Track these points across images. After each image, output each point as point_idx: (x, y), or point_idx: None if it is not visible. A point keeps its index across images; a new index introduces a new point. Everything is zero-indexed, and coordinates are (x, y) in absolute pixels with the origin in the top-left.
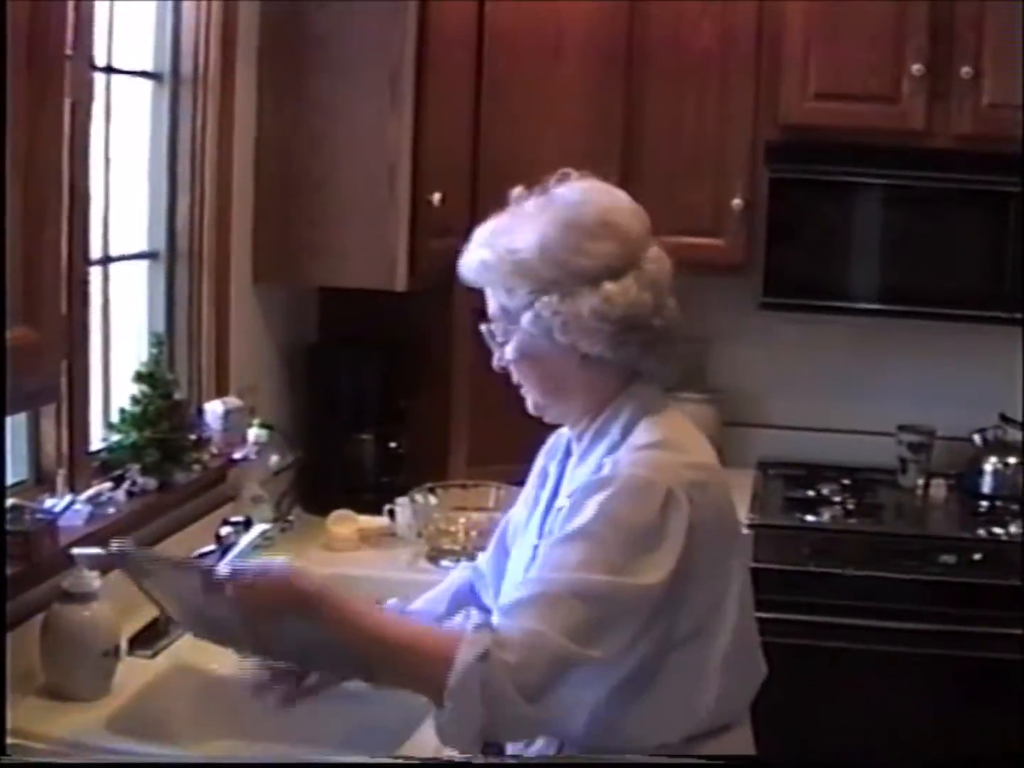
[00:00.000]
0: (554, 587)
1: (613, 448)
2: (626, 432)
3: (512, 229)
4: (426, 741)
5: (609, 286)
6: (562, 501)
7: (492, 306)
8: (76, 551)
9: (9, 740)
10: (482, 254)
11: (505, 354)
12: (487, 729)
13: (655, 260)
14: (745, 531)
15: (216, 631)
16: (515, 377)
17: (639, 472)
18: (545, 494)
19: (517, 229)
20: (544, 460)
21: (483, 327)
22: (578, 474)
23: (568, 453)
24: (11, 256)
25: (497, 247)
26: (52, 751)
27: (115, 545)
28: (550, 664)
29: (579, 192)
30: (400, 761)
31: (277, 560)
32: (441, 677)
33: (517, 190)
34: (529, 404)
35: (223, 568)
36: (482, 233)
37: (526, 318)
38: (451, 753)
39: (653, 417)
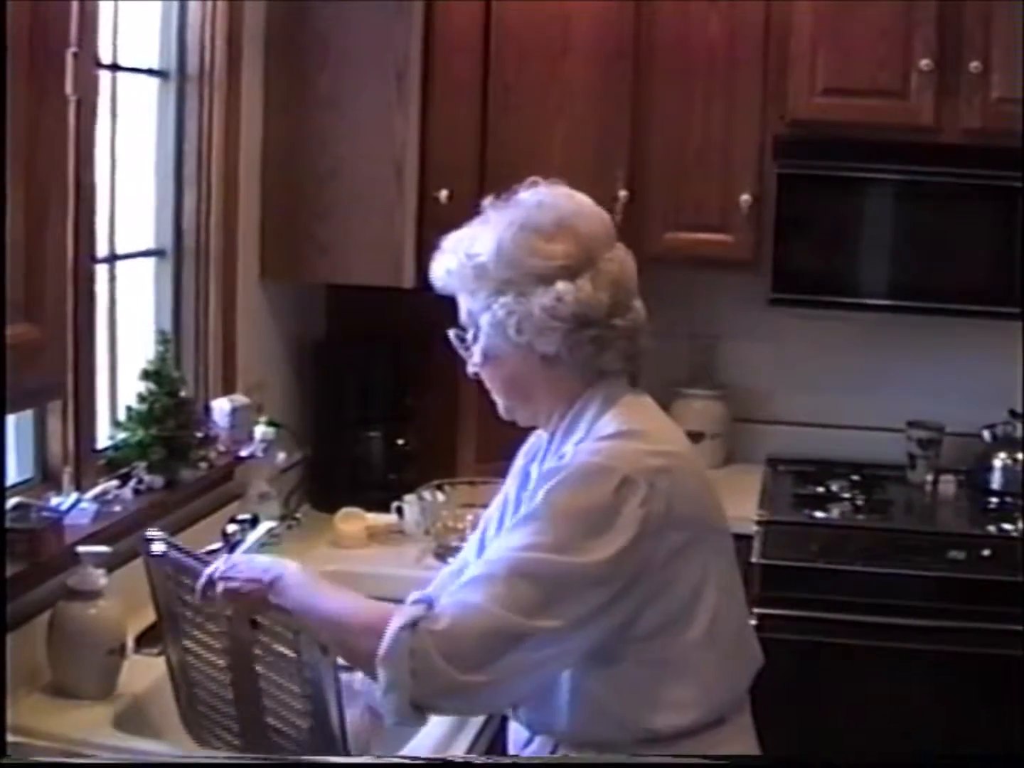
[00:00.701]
0: (496, 567)
1: (580, 443)
2: (592, 426)
3: (474, 235)
4: (427, 741)
5: (561, 285)
6: None
7: (461, 312)
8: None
9: (14, 738)
10: (446, 261)
11: (470, 359)
12: (419, 698)
13: (615, 261)
14: (754, 525)
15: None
16: (485, 384)
17: (594, 459)
18: (526, 495)
19: (478, 235)
20: (524, 460)
21: (451, 333)
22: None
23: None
24: (12, 253)
25: (459, 253)
26: (57, 749)
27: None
28: (484, 634)
29: (539, 196)
30: (401, 761)
31: (263, 560)
32: (374, 648)
33: (488, 199)
34: (500, 408)
35: (216, 573)
36: (448, 241)
37: (485, 320)
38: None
39: (618, 408)
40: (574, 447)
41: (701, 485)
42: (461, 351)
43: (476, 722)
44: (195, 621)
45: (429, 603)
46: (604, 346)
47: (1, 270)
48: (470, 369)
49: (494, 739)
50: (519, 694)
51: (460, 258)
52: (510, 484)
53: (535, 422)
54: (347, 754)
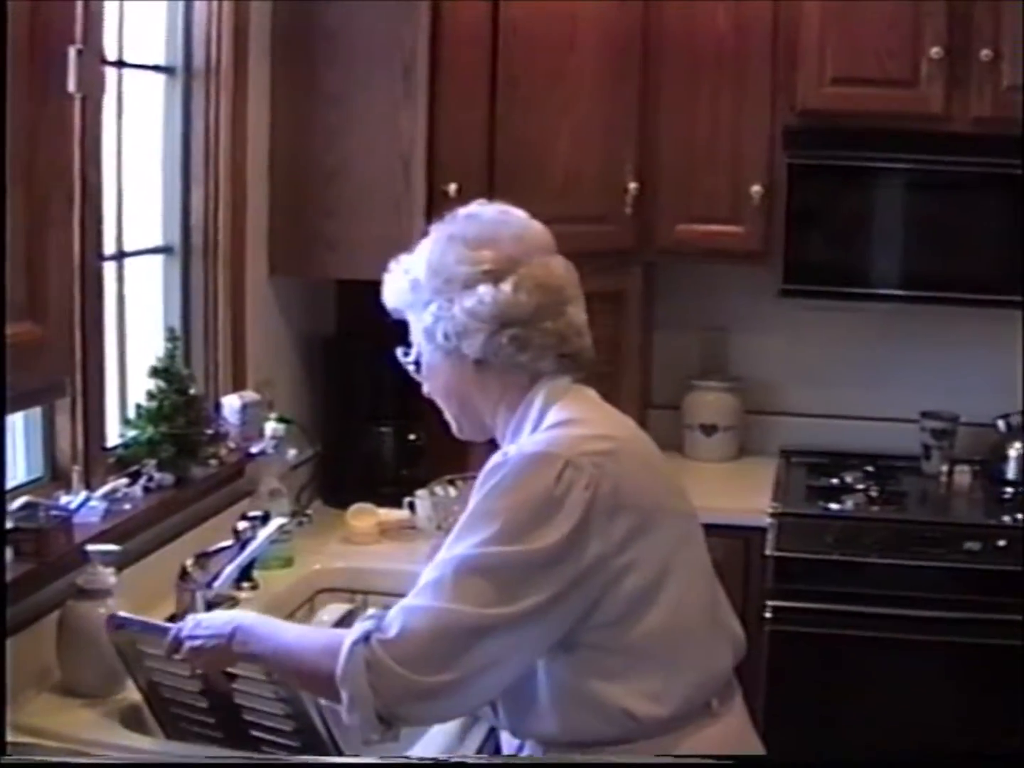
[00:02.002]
0: (444, 569)
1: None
2: (536, 426)
3: (413, 253)
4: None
5: (483, 288)
6: None
7: (410, 331)
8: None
9: (24, 738)
10: (390, 280)
11: (417, 374)
12: (383, 709)
13: (544, 266)
14: (767, 517)
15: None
16: (437, 402)
17: (533, 449)
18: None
19: (417, 252)
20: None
21: (398, 351)
22: None
23: None
24: (15, 252)
25: (398, 272)
26: (67, 749)
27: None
28: (439, 633)
29: (470, 210)
30: (401, 761)
31: (222, 615)
32: (332, 668)
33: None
34: (453, 428)
35: (182, 632)
36: (393, 262)
37: (419, 330)
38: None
39: (560, 402)
40: (516, 444)
41: (652, 469)
42: (408, 368)
43: (480, 733)
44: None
45: (381, 617)
46: (524, 346)
47: (1, 270)
48: (424, 390)
49: (496, 751)
50: (488, 691)
51: (399, 276)
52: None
53: (485, 433)
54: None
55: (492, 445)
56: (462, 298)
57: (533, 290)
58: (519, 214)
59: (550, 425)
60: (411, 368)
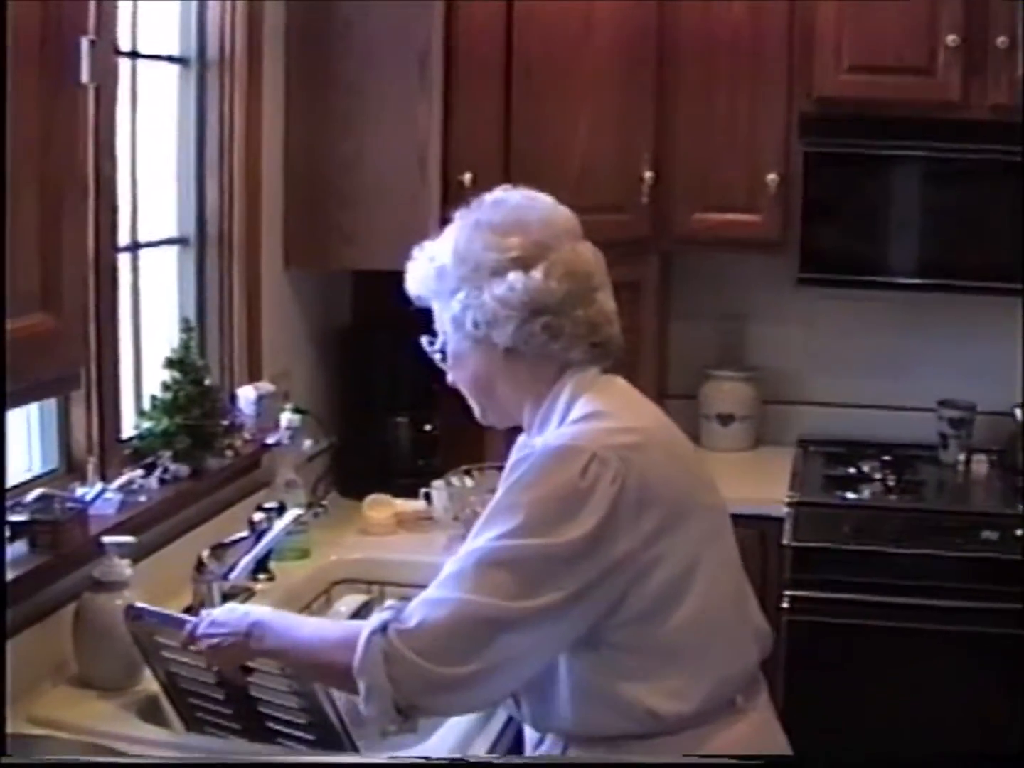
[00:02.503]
0: (467, 561)
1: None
2: (563, 417)
3: (437, 241)
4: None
5: (513, 275)
6: None
7: (435, 320)
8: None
9: (40, 730)
10: (414, 269)
11: (443, 364)
12: (402, 700)
13: (574, 252)
14: (785, 507)
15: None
16: (461, 390)
17: (560, 442)
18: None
19: (441, 240)
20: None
21: (423, 339)
22: None
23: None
24: (27, 243)
25: (423, 259)
26: (82, 741)
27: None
28: (462, 624)
29: (495, 196)
30: (401, 761)
31: (239, 610)
32: (349, 660)
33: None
34: (477, 415)
35: (199, 627)
36: (416, 250)
37: (447, 319)
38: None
39: (588, 394)
40: (542, 437)
41: (681, 462)
42: (434, 358)
43: (497, 724)
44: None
45: (400, 607)
46: (557, 335)
47: (1, 264)
48: (448, 378)
49: (515, 742)
50: (508, 685)
51: (424, 264)
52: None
53: (511, 421)
54: (354, 750)
55: (511, 435)
56: (491, 286)
57: (563, 277)
58: (545, 199)
59: (577, 418)
60: (436, 357)
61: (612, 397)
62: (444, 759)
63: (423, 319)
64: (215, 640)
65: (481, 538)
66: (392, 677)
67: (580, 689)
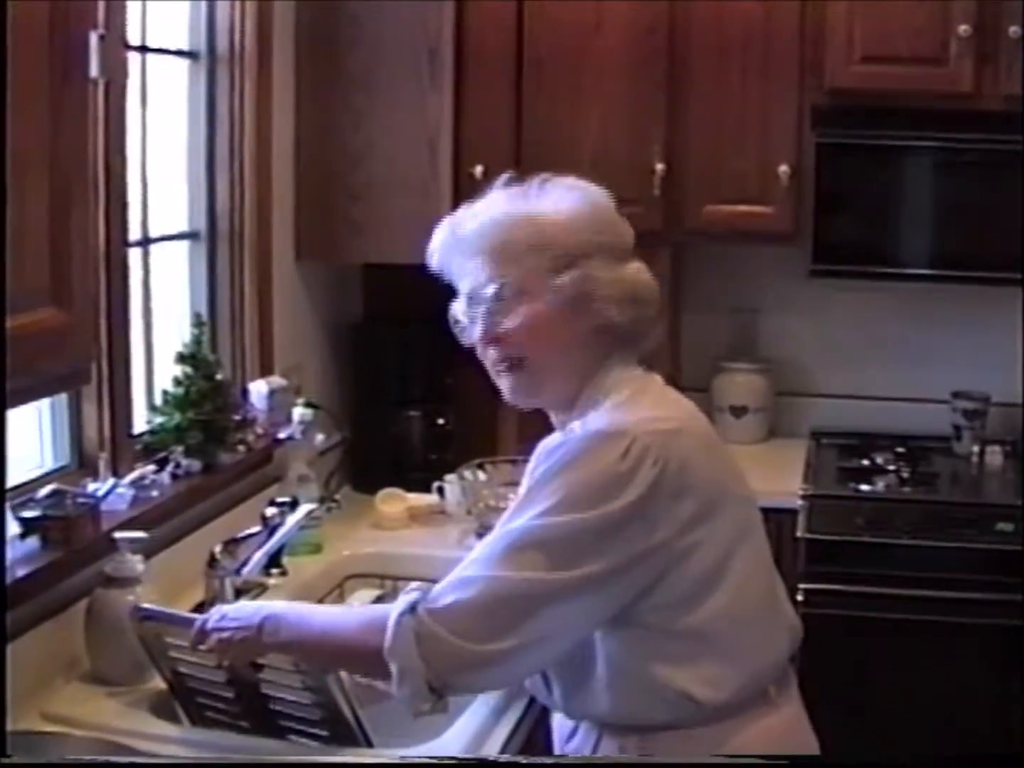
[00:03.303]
0: (502, 541)
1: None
2: (603, 401)
3: (541, 202)
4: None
5: (633, 264)
6: None
7: (488, 281)
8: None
9: (52, 727)
10: (515, 219)
11: (499, 326)
12: (435, 679)
13: None
14: (798, 499)
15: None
16: (494, 358)
17: (598, 427)
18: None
19: (552, 202)
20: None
21: (457, 305)
22: None
23: None
24: (37, 237)
25: (523, 223)
26: (94, 737)
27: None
28: (497, 601)
29: (588, 184)
30: (401, 761)
31: (250, 606)
32: (379, 643)
33: (504, 177)
34: (508, 390)
35: (208, 625)
36: (495, 207)
37: (541, 281)
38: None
39: (627, 383)
40: (580, 422)
41: (717, 452)
42: (477, 319)
43: (511, 719)
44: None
45: (425, 589)
46: (651, 327)
47: (1, 260)
48: (481, 338)
49: (531, 736)
50: (541, 662)
51: (521, 225)
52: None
53: (537, 399)
54: (367, 743)
55: (523, 429)
56: (608, 267)
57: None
58: None
59: (614, 406)
60: (485, 323)
61: (649, 387)
62: (453, 758)
63: (432, 312)
64: (226, 635)
65: (516, 519)
66: (424, 657)
67: (617, 673)
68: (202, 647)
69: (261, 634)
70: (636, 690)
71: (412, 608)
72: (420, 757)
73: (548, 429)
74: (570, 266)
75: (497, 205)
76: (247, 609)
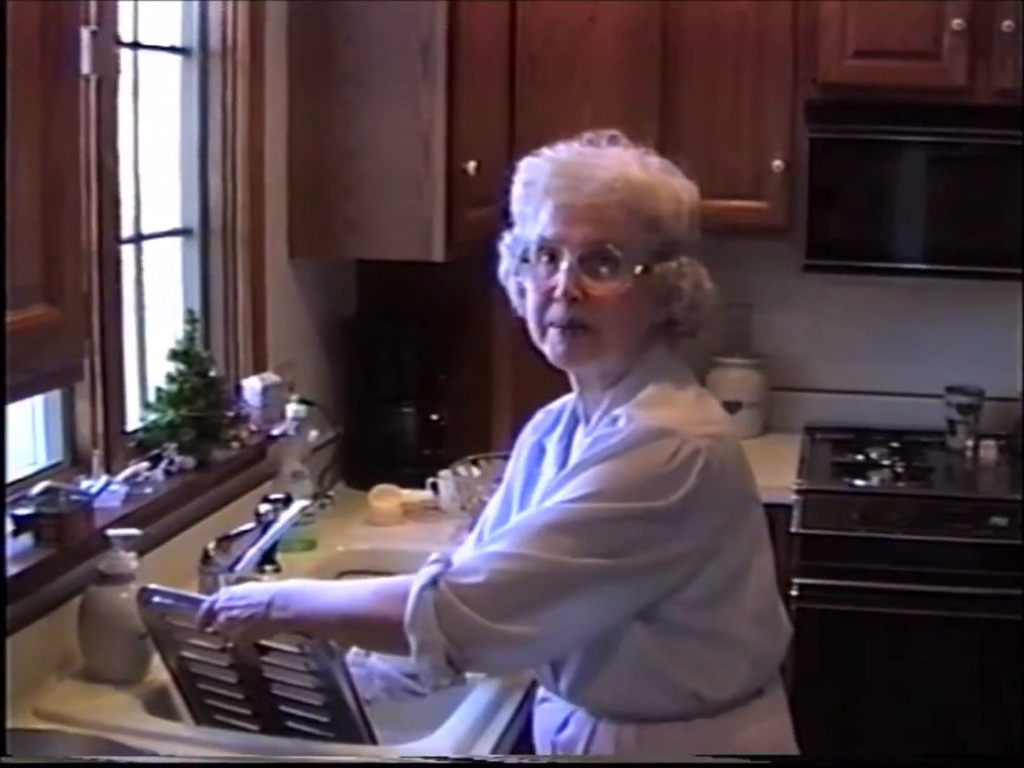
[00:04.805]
0: (538, 518)
1: (623, 408)
2: (639, 390)
3: (660, 178)
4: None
5: (703, 267)
6: None
7: (591, 239)
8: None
9: (47, 724)
10: (652, 184)
11: (585, 287)
12: (456, 653)
13: None
14: (792, 494)
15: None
16: (559, 316)
17: (649, 423)
18: (547, 466)
19: (667, 178)
20: (536, 436)
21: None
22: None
23: (575, 423)
24: (29, 234)
25: (663, 181)
26: (89, 735)
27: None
28: (524, 580)
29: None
30: (399, 761)
31: (260, 586)
32: (399, 615)
33: (610, 132)
34: (561, 348)
35: (216, 604)
36: (626, 164)
37: (642, 257)
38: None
39: (668, 373)
40: (625, 413)
41: (743, 458)
42: (546, 269)
43: (502, 721)
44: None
45: (448, 561)
46: (703, 329)
47: (1, 256)
48: (559, 289)
49: (520, 739)
50: (562, 647)
51: (653, 196)
52: (522, 462)
53: (591, 369)
54: (371, 737)
55: (517, 425)
56: (693, 266)
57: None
58: None
59: (661, 397)
60: (585, 261)
61: (687, 380)
62: (448, 758)
63: (426, 308)
64: (234, 612)
65: (552, 499)
66: (446, 631)
67: (632, 665)
68: (208, 629)
69: (270, 610)
70: (647, 683)
71: (434, 581)
72: (418, 757)
73: None
74: (670, 255)
75: (625, 163)
76: (257, 588)
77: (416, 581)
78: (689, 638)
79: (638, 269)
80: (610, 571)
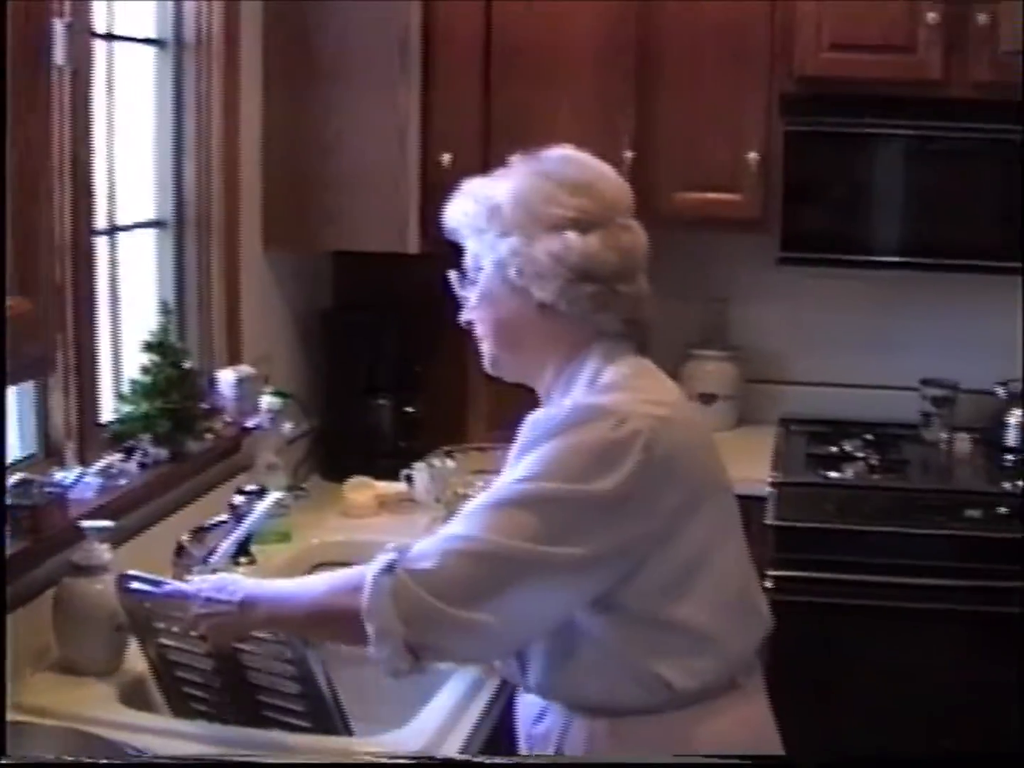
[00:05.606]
0: (492, 499)
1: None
2: (591, 381)
3: (495, 181)
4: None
5: (571, 235)
6: None
7: (467, 257)
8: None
9: (23, 716)
10: (462, 203)
11: (467, 301)
12: (414, 638)
13: (630, 230)
14: (767, 487)
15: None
16: (477, 331)
17: (588, 401)
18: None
19: (499, 180)
20: None
21: (452, 273)
22: None
23: None
24: (1, 226)
25: (476, 195)
26: (65, 727)
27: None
28: (482, 564)
29: (566, 153)
30: (397, 760)
31: (223, 580)
32: (357, 604)
33: (515, 156)
34: (486, 361)
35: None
36: (467, 184)
37: (489, 260)
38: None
39: (617, 366)
40: (571, 396)
41: (704, 443)
42: (460, 292)
43: (482, 700)
44: (169, 629)
45: (403, 548)
46: (602, 306)
47: (1, 250)
48: (464, 315)
49: (501, 719)
50: (523, 636)
51: (476, 199)
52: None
53: (523, 377)
54: (346, 727)
55: (493, 417)
56: (545, 240)
57: (617, 249)
58: (610, 169)
59: (606, 385)
60: (462, 294)
61: (640, 372)
62: (438, 759)
63: (402, 300)
64: (215, 619)
65: (503, 482)
66: (403, 618)
67: (598, 657)
68: (193, 634)
69: (242, 613)
70: (615, 674)
71: (390, 568)
72: (407, 755)
73: (518, 417)
74: (503, 240)
75: (483, 184)
76: (225, 592)
77: (370, 569)
78: (649, 627)
79: (478, 272)
80: (563, 560)
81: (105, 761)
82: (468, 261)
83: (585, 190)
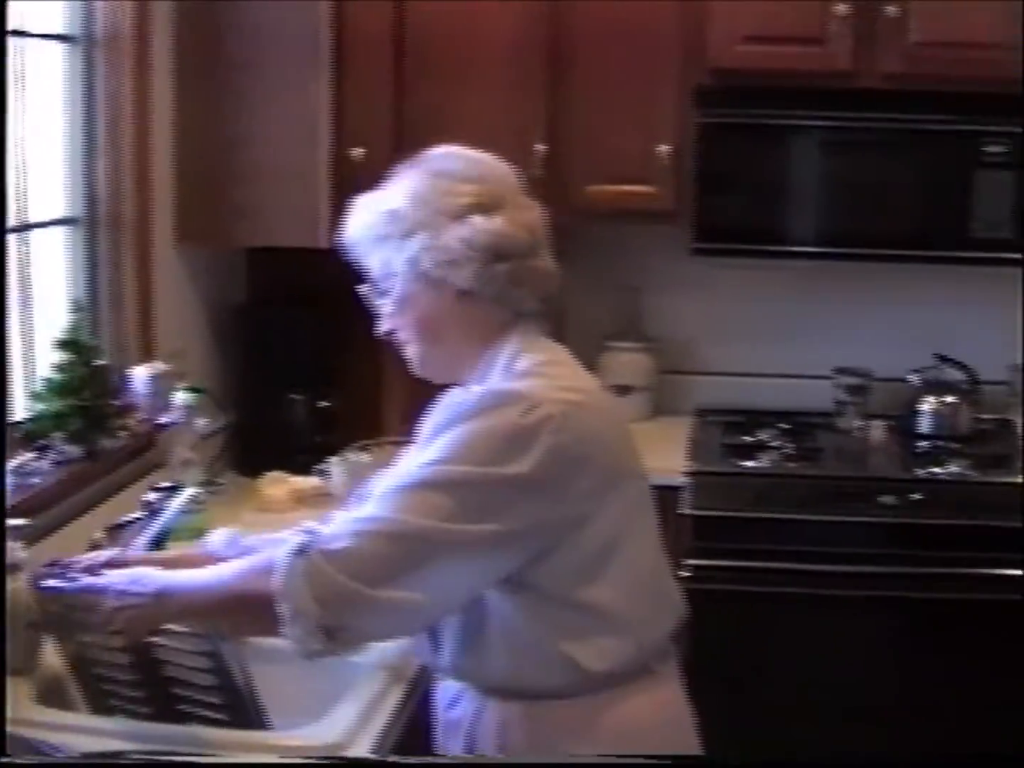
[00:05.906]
0: (402, 481)
1: None
2: (508, 367)
3: (385, 191)
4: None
5: (477, 218)
6: None
7: (373, 269)
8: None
9: None
10: (358, 216)
11: (384, 310)
12: (328, 618)
13: (531, 208)
14: (683, 476)
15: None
16: (399, 338)
17: (499, 387)
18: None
19: (390, 189)
20: None
21: (362, 288)
22: None
23: None
24: None
25: (371, 207)
26: None
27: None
28: (394, 543)
29: (449, 149)
30: (396, 760)
31: (135, 574)
32: (264, 590)
33: (399, 165)
34: (415, 364)
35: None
36: (360, 199)
37: (399, 262)
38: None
39: (534, 349)
40: (484, 382)
41: (617, 428)
42: (374, 304)
43: (389, 706)
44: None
45: (314, 531)
46: (519, 282)
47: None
48: (384, 326)
49: (413, 723)
50: (436, 613)
51: (370, 210)
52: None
53: (450, 375)
54: (258, 717)
55: (408, 411)
56: (452, 228)
57: (522, 226)
58: (491, 156)
59: (521, 371)
60: (377, 304)
61: (556, 357)
62: (438, 758)
63: (316, 295)
64: (132, 612)
65: (413, 463)
66: (317, 598)
67: (509, 637)
68: (109, 627)
69: (158, 605)
70: (525, 655)
71: (302, 550)
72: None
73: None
74: (409, 239)
75: (376, 196)
76: (138, 584)
77: (282, 551)
78: (561, 608)
79: (390, 278)
80: (475, 538)
81: (105, 762)
82: (376, 272)
83: (477, 177)
